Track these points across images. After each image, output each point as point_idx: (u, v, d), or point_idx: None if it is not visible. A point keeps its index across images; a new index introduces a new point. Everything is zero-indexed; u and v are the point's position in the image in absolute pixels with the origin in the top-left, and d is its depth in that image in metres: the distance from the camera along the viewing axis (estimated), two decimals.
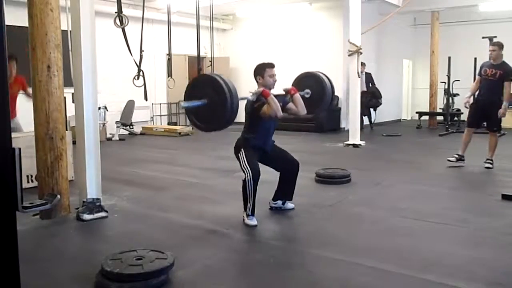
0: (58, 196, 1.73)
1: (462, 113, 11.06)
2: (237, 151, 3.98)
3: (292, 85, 4.29)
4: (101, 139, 4.80)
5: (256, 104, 3.84)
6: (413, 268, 2.95)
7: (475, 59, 9.75)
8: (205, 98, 3.47)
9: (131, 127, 10.30)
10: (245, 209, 3.90)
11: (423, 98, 12.97)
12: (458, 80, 11.13)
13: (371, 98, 10.64)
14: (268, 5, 11.42)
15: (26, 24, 3.93)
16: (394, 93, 13.25)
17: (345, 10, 9.92)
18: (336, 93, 10.76)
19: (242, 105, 3.77)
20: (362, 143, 8.58)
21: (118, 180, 5.57)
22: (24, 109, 5.60)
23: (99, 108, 7.90)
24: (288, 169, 4.18)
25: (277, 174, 4.23)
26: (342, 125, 11.17)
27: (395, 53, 13.07)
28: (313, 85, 4.36)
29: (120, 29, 4.84)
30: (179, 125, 11.62)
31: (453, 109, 11.57)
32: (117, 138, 9.68)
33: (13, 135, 1.95)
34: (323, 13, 11.32)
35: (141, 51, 5.37)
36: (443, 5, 11.30)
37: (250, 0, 10.92)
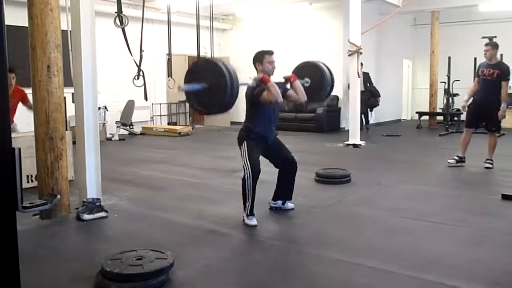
0: (58, 196, 1.72)
1: (462, 113, 10.97)
2: (240, 143, 3.97)
3: (292, 73, 4.29)
4: (101, 139, 4.80)
5: (256, 91, 3.83)
6: (413, 268, 2.95)
7: (475, 59, 9.74)
8: (206, 82, 3.46)
9: (131, 127, 10.30)
10: (244, 208, 3.91)
11: (423, 98, 12.98)
12: (458, 80, 11.13)
13: (369, 97, 10.63)
14: (268, 5, 11.42)
15: (26, 24, 3.93)
16: (394, 93, 13.25)
17: (345, 10, 9.92)
18: (336, 93, 10.95)
19: (242, 93, 3.75)
20: (362, 143, 8.58)
21: (118, 180, 5.57)
22: (24, 109, 5.61)
23: (99, 108, 7.89)
24: (287, 169, 4.18)
25: (277, 174, 4.24)
26: (342, 125, 11.17)
27: (395, 53, 13.07)
28: (312, 74, 4.35)
29: (120, 29, 4.84)
30: (179, 125, 11.62)
31: (453, 109, 11.57)
32: (117, 138, 9.68)
33: (13, 135, 1.96)
34: (323, 13, 11.32)
35: (141, 51, 5.37)
36: (443, 5, 11.30)
37: (250, 0, 10.92)
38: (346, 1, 9.07)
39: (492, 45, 6.20)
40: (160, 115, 11.62)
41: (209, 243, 3.54)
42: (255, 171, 3.83)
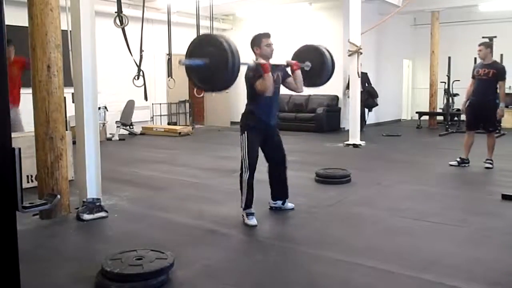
0: (58, 196, 1.73)
1: (462, 113, 11.05)
2: (241, 131, 3.97)
3: (292, 58, 4.28)
4: (101, 139, 4.80)
5: (253, 74, 3.80)
6: (413, 268, 2.95)
7: (475, 59, 9.69)
8: (207, 57, 3.42)
9: (131, 127, 10.29)
10: (241, 205, 3.93)
11: (423, 98, 12.97)
12: (458, 80, 11.10)
13: (367, 97, 10.62)
14: (268, 5, 11.41)
15: (26, 24, 3.93)
16: (394, 93, 13.25)
17: (345, 10, 9.92)
18: (335, 93, 10.94)
19: (241, 74, 3.70)
20: (362, 143, 8.58)
21: (118, 180, 5.57)
22: (24, 109, 5.61)
23: (99, 108, 7.89)
24: (274, 168, 4.18)
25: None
26: (342, 125, 11.16)
27: (395, 53, 13.07)
28: (313, 57, 4.31)
29: (120, 29, 4.85)
30: (179, 125, 11.62)
31: (453, 109, 11.57)
32: (117, 138, 9.68)
33: (13, 135, 1.95)
34: (323, 13, 11.32)
35: (141, 51, 5.38)
36: (443, 5, 11.30)
37: (250, 0, 10.92)
38: (346, 1, 9.07)
39: (485, 44, 6.23)
40: (160, 115, 11.61)
41: (209, 243, 3.54)
42: (252, 167, 3.88)
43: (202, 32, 7.16)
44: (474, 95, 6.21)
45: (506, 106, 10.57)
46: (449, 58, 10.77)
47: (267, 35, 3.97)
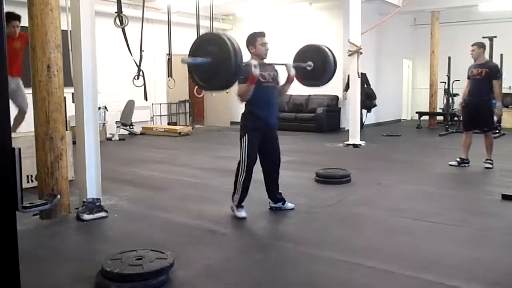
0: (58, 196, 1.73)
1: (458, 114, 11.06)
2: (242, 133, 3.97)
3: (295, 57, 4.33)
4: (101, 139, 4.80)
5: (242, 76, 3.74)
6: (413, 268, 2.95)
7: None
8: (210, 56, 3.42)
9: (131, 127, 10.30)
10: (232, 198, 3.95)
11: (423, 98, 12.97)
12: (458, 80, 11.07)
13: (365, 99, 10.59)
14: (268, 5, 11.41)
15: (26, 24, 3.93)
16: (394, 93, 13.25)
17: (345, 10, 9.92)
18: (335, 93, 10.93)
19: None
20: (362, 143, 8.58)
21: (118, 180, 5.57)
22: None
23: (99, 108, 7.89)
24: (268, 171, 4.18)
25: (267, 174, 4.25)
26: (342, 125, 11.16)
27: (395, 53, 13.07)
28: (316, 58, 4.33)
29: (120, 29, 4.85)
30: (179, 125, 11.62)
31: (453, 109, 11.56)
32: (117, 138, 9.68)
33: (13, 135, 1.96)
34: (323, 13, 11.32)
35: (141, 51, 5.38)
36: (443, 5, 11.30)
37: (250, 0, 10.92)
38: (346, 1, 9.07)
39: (478, 45, 6.30)
40: (160, 115, 11.62)
41: (209, 243, 3.54)
42: (249, 168, 3.90)
43: (202, 32, 7.15)
44: (469, 95, 6.23)
45: (506, 106, 10.65)
46: (449, 58, 10.78)
47: (262, 34, 3.97)
